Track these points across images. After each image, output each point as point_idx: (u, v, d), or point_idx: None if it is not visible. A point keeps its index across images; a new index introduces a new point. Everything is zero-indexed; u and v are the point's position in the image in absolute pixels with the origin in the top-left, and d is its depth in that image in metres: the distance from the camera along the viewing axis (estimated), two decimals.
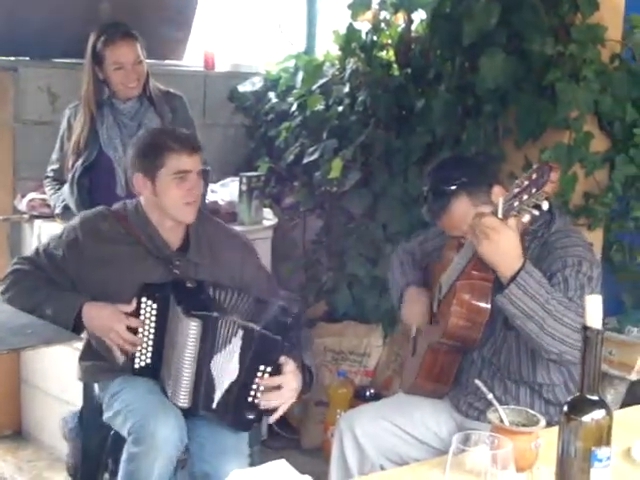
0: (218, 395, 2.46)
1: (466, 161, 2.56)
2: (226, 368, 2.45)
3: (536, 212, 2.00)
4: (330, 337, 4.04)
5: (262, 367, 2.43)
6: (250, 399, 2.44)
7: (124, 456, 2.42)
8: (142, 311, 2.52)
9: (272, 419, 2.51)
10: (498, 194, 2.27)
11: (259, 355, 2.42)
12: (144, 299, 2.52)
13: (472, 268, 2.31)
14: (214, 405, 2.47)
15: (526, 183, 1.97)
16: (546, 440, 1.73)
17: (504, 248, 2.08)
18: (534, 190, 1.95)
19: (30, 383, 3.97)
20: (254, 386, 2.43)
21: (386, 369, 3.93)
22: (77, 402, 2.92)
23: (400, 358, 3.82)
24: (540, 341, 2.14)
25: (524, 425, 1.79)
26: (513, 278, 2.10)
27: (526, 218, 2.03)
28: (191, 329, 2.43)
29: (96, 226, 2.64)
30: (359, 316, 4.05)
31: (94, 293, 2.55)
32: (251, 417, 2.45)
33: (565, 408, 1.47)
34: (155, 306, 2.52)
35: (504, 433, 1.64)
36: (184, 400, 2.47)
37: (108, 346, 2.55)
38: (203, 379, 2.46)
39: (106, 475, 2.69)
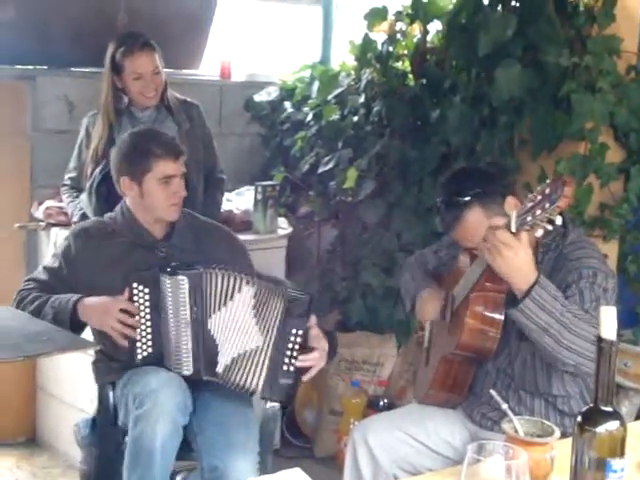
0: (227, 359, 2.49)
1: (479, 172, 2.55)
2: (237, 330, 2.48)
3: (549, 227, 1.99)
4: (344, 347, 4.04)
5: (294, 330, 2.44)
6: (285, 367, 2.44)
7: (130, 424, 2.46)
8: (135, 297, 2.56)
9: (306, 377, 2.49)
10: (511, 205, 2.27)
11: (290, 315, 2.44)
12: (135, 284, 2.56)
13: (486, 280, 2.31)
14: (219, 369, 2.49)
15: (539, 198, 1.97)
16: (561, 451, 1.73)
17: (517, 263, 2.08)
18: (547, 205, 1.94)
19: (45, 390, 3.99)
20: (288, 352, 2.43)
21: (399, 379, 3.93)
22: (91, 409, 2.93)
23: (413, 368, 3.82)
24: (557, 354, 2.13)
25: (539, 436, 1.78)
26: (528, 292, 2.09)
27: (539, 233, 2.02)
28: (180, 288, 2.50)
29: (85, 231, 2.76)
30: (373, 326, 4.05)
31: (90, 293, 2.60)
32: (287, 382, 2.45)
33: (579, 419, 1.47)
34: (147, 290, 2.56)
35: (519, 444, 1.63)
36: (186, 366, 2.52)
37: (112, 341, 2.58)
38: (203, 341, 2.50)
39: None
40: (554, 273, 2.28)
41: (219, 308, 2.50)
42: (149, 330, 2.57)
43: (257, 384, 2.48)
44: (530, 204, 2.00)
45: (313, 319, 2.48)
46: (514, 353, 2.37)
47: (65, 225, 3.70)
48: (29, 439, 4.06)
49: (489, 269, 2.22)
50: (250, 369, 2.48)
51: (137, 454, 2.41)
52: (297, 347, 2.44)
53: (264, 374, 2.46)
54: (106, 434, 2.72)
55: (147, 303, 2.57)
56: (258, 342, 2.47)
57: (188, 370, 2.53)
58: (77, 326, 2.58)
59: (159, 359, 2.57)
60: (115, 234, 2.72)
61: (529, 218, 1.99)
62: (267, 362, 2.46)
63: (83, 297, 2.58)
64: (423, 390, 2.56)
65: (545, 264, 2.33)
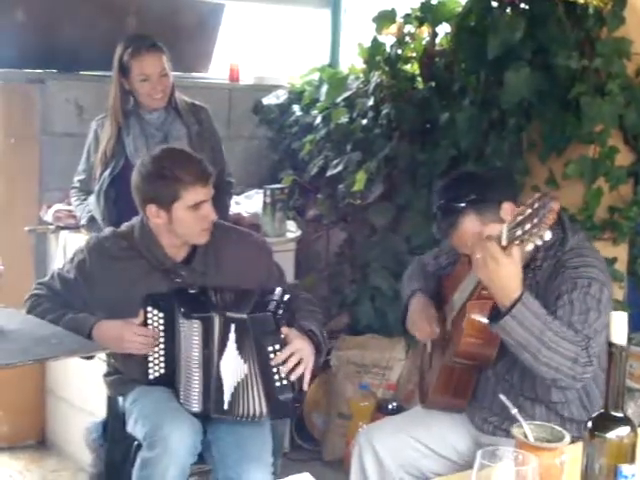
0: (228, 396, 2.48)
1: (475, 177, 2.52)
2: (233, 367, 2.47)
3: (539, 242, 1.98)
4: (352, 350, 4.04)
5: (270, 348, 2.44)
6: (278, 383, 2.44)
7: (137, 463, 2.45)
8: (150, 321, 2.56)
9: (305, 386, 2.49)
10: (508, 211, 2.25)
11: (260, 337, 2.44)
12: (149, 308, 2.55)
13: (482, 287, 2.29)
14: (225, 406, 2.49)
15: (529, 212, 1.97)
16: (570, 456, 1.72)
17: (502, 278, 2.07)
18: (536, 220, 1.95)
19: (55, 393, 4.00)
20: (274, 369, 2.44)
21: (408, 382, 3.92)
22: (100, 412, 2.93)
23: (419, 372, 3.81)
24: (535, 369, 2.16)
25: (548, 441, 1.77)
26: (510, 309, 2.09)
27: (529, 247, 2.02)
28: (193, 331, 2.48)
29: (101, 245, 2.67)
30: (381, 329, 4.04)
31: (105, 311, 2.58)
32: (287, 398, 2.45)
33: (589, 425, 1.47)
34: (161, 315, 2.55)
35: (529, 449, 1.62)
36: (196, 404, 2.51)
37: (125, 358, 2.59)
38: (212, 381, 2.49)
39: None
40: (550, 281, 2.28)
41: (224, 349, 2.49)
42: (162, 352, 2.58)
43: (261, 408, 2.47)
44: (520, 217, 2.00)
45: (284, 329, 2.47)
46: (512, 361, 2.35)
47: (74, 228, 3.71)
48: (39, 442, 4.07)
49: None
50: (248, 397, 2.47)
51: None
52: (279, 365, 2.45)
53: (263, 397, 2.46)
54: (115, 441, 2.73)
55: (161, 327, 2.56)
56: (245, 371, 2.47)
57: (197, 408, 2.52)
58: None
59: (171, 380, 2.58)
60: (131, 251, 2.62)
61: (518, 232, 1.99)
62: (261, 386, 2.46)
63: (98, 321, 2.54)
64: (427, 395, 2.56)
65: (543, 271, 2.32)
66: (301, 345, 2.47)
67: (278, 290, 2.58)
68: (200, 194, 2.52)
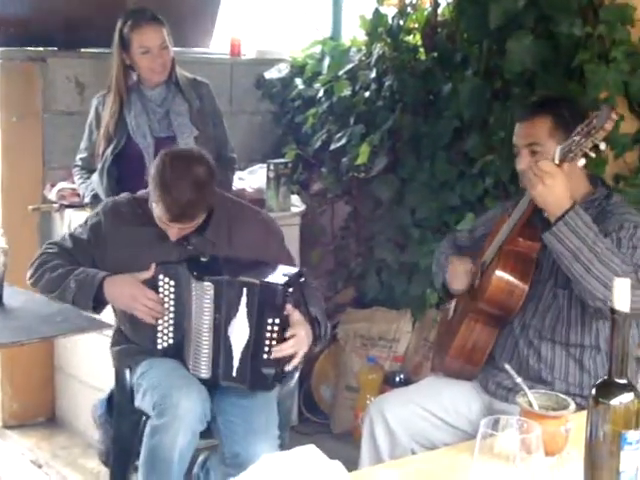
0: (236, 362, 2.48)
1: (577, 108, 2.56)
2: (240, 332, 2.47)
3: (592, 154, 2.08)
4: (359, 323, 4.05)
5: (270, 320, 2.43)
6: (265, 355, 2.44)
7: (147, 431, 2.46)
8: (161, 289, 2.56)
9: (289, 367, 2.49)
10: None
11: (264, 306, 2.44)
12: (161, 276, 2.55)
13: (519, 234, 2.36)
14: (234, 373, 2.49)
15: (585, 129, 2.07)
16: (577, 424, 1.72)
17: (557, 193, 2.15)
18: (593, 131, 2.04)
19: (64, 371, 4.02)
20: (267, 341, 2.44)
21: (415, 354, 3.93)
22: (109, 389, 2.94)
23: (429, 344, 3.82)
24: (586, 284, 2.15)
25: (553, 409, 1.78)
26: (562, 216, 2.15)
27: (581, 162, 2.12)
28: (205, 294, 2.48)
29: (117, 209, 2.69)
30: (388, 302, 4.05)
31: (116, 274, 2.58)
32: (269, 372, 2.46)
33: (593, 391, 1.47)
34: (172, 283, 2.55)
35: (533, 418, 1.63)
36: (205, 371, 2.51)
37: (134, 323, 2.59)
38: (221, 347, 2.49)
39: (138, 462, 2.71)
40: (596, 223, 2.27)
41: (235, 315, 2.48)
42: (172, 322, 2.58)
43: (246, 375, 2.47)
44: (575, 136, 2.09)
45: (289, 307, 2.46)
46: (547, 305, 2.37)
47: (78, 206, 3.71)
48: (49, 419, 4.10)
49: (524, 218, 2.32)
50: (243, 362, 2.47)
51: (153, 463, 2.43)
52: (275, 336, 2.44)
53: (249, 365, 2.46)
54: (123, 414, 2.74)
55: (172, 295, 2.56)
56: (247, 336, 2.47)
57: (206, 374, 2.52)
58: (99, 302, 2.57)
59: (180, 350, 2.58)
60: (145, 217, 2.62)
61: (574, 147, 2.09)
62: (251, 352, 2.46)
63: (110, 275, 2.56)
64: (443, 359, 2.56)
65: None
66: (301, 332, 2.47)
67: (295, 270, 2.58)
68: (173, 228, 2.53)
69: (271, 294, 2.45)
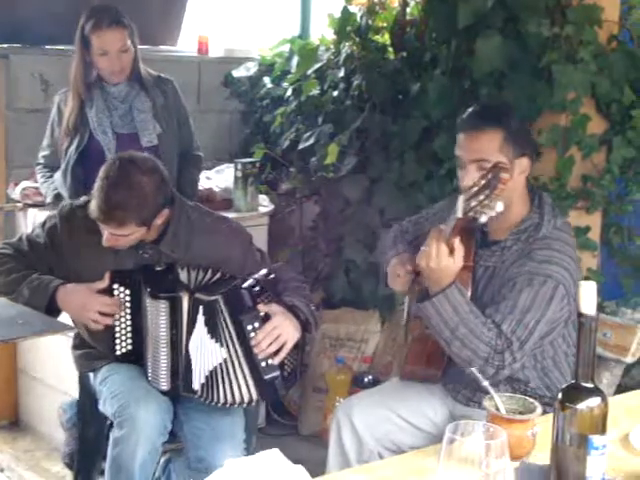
0: (199, 376, 2.44)
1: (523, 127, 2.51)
2: (204, 348, 2.42)
3: (492, 213, 2.08)
4: (327, 324, 4.02)
5: (249, 327, 2.35)
6: (263, 363, 2.36)
7: (110, 439, 2.45)
8: (116, 298, 2.52)
9: (277, 360, 2.38)
10: (525, 166, 2.32)
11: (236, 316, 2.36)
12: (116, 285, 2.52)
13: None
14: (195, 386, 2.45)
15: (483, 182, 2.07)
16: (542, 428, 1.71)
17: (439, 274, 2.17)
18: (488, 192, 2.05)
19: (27, 373, 3.96)
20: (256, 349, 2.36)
21: (384, 355, 3.91)
22: (74, 392, 2.91)
23: (397, 344, 3.81)
24: (448, 352, 2.24)
25: (520, 413, 1.77)
26: (433, 296, 2.18)
27: (483, 219, 2.11)
28: (160, 311, 2.44)
29: (74, 214, 2.63)
30: (356, 302, 4.03)
31: (70, 281, 2.54)
32: (273, 377, 2.37)
33: (559, 396, 1.45)
34: (128, 292, 2.52)
35: (500, 421, 1.62)
36: (164, 383, 2.48)
37: (92, 331, 2.55)
38: (180, 360, 2.46)
39: (104, 464, 2.68)
40: (512, 267, 2.28)
41: (192, 330, 2.44)
42: (129, 329, 2.55)
43: (250, 393, 2.39)
44: (475, 189, 2.08)
45: (261, 306, 2.39)
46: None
47: (42, 206, 3.65)
48: (11, 422, 4.03)
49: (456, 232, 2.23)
50: (232, 383, 2.39)
51: (117, 473, 2.42)
52: (261, 338, 2.37)
53: (250, 380, 2.38)
54: (87, 418, 2.72)
55: (128, 304, 2.53)
56: (223, 355, 2.39)
57: (165, 386, 2.49)
58: (52, 310, 2.52)
59: (140, 357, 2.55)
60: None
61: (473, 203, 2.08)
62: (245, 368, 2.38)
63: (64, 284, 2.51)
64: (404, 364, 2.54)
65: (511, 253, 2.31)
66: (281, 321, 2.38)
67: (261, 271, 2.52)
68: (105, 231, 2.48)
69: (236, 302, 2.38)
